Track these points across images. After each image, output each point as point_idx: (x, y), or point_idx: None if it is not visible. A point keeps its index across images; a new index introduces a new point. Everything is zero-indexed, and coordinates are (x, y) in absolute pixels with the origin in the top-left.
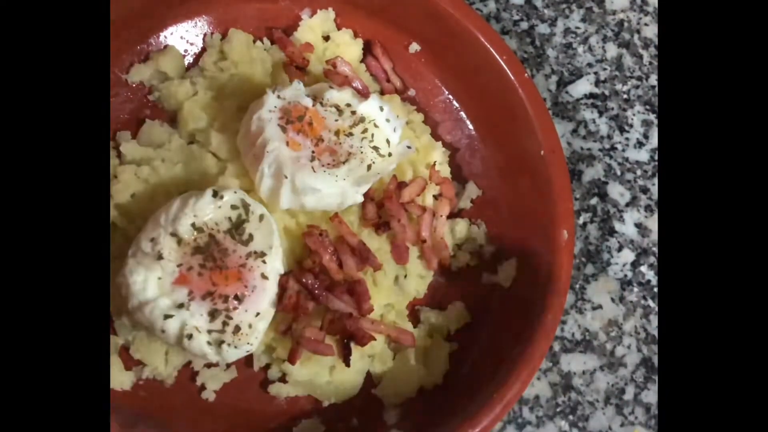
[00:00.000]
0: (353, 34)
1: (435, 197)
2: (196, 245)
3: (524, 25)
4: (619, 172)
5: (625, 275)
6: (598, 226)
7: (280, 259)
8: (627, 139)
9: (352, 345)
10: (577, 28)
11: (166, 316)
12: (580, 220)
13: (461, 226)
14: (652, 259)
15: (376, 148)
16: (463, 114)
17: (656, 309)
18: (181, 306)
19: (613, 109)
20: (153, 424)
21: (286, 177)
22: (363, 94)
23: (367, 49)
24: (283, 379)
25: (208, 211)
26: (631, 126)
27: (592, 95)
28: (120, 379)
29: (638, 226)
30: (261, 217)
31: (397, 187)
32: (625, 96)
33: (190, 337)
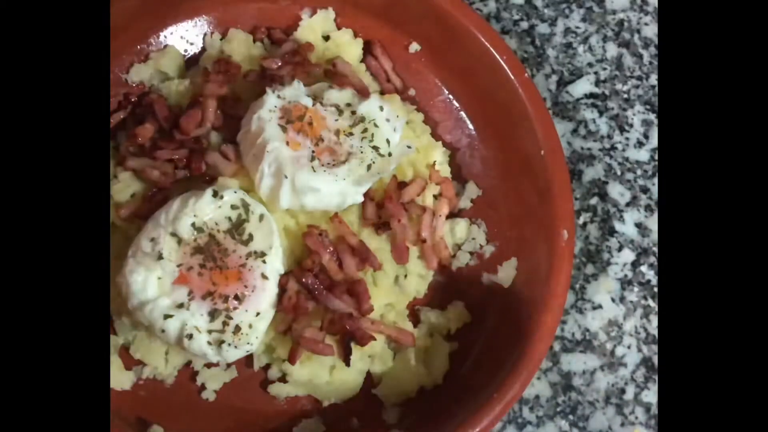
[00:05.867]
0: (353, 34)
1: (435, 197)
2: (196, 245)
3: (524, 24)
4: (619, 172)
5: (625, 275)
6: (598, 226)
7: (280, 259)
8: (627, 138)
9: (352, 345)
10: (577, 27)
11: (166, 316)
12: (580, 220)
13: (461, 226)
14: (652, 259)
15: (376, 148)
16: (463, 114)
17: (656, 309)
18: (181, 306)
19: (613, 108)
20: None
21: (286, 177)
22: (363, 94)
23: (367, 49)
24: (283, 379)
25: (208, 211)
26: (631, 126)
27: (592, 95)
28: (120, 379)
29: (638, 226)
30: (261, 217)
31: (397, 187)
32: (625, 96)
33: (190, 337)
